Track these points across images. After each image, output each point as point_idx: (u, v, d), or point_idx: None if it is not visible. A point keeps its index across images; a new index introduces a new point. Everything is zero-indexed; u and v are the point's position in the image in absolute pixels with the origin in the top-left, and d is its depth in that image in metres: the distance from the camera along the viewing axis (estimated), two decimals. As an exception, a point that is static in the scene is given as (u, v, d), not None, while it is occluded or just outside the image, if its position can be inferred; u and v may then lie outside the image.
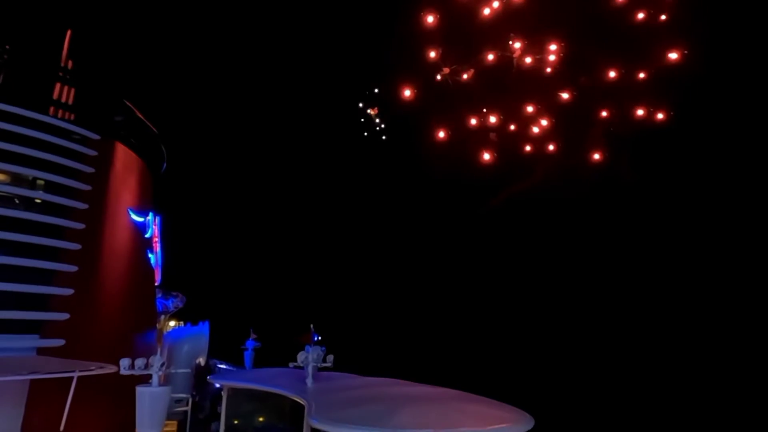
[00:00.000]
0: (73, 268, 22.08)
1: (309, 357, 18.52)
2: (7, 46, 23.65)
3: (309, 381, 17.82)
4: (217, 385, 25.35)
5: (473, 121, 34.24)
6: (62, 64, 26.97)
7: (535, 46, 31.77)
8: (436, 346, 58.96)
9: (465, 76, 33.28)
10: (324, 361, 19.45)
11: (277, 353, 23.44)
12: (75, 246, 22.45)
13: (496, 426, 12.11)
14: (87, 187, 23.66)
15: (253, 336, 30.96)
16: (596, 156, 33.86)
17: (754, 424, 38.66)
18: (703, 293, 47.22)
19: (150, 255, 29.69)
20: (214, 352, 34.37)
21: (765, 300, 43.86)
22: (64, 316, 21.18)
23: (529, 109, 33.78)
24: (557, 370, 51.45)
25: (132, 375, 14.81)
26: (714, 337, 46.01)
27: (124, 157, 26.74)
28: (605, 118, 33.26)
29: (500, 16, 31.96)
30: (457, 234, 65.12)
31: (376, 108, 36.33)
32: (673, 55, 29.48)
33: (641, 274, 51.73)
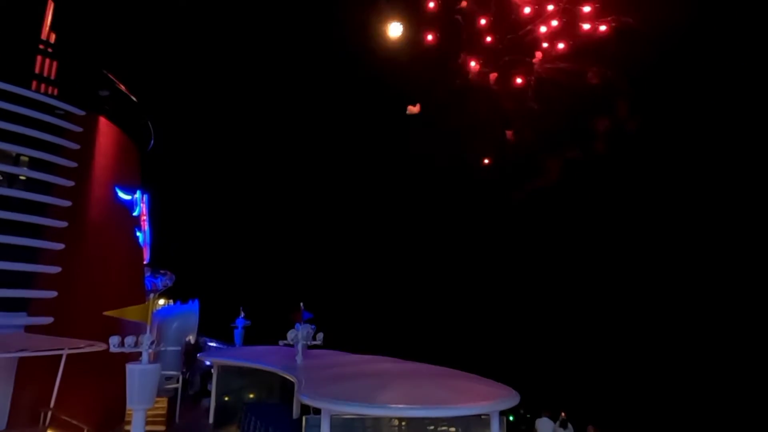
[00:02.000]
0: (60, 246, 21.88)
1: (299, 335, 18.66)
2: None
3: (299, 358, 18.00)
4: (207, 363, 25.52)
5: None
6: (44, 37, 26.23)
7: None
8: (425, 323, 59.61)
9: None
10: (314, 339, 19.60)
11: (267, 331, 23.60)
12: (62, 224, 22.21)
13: (484, 402, 12.36)
14: (73, 164, 23.29)
15: (242, 314, 31.10)
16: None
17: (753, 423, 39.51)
18: (692, 284, 48.15)
19: (138, 233, 29.46)
20: (203, 330, 34.52)
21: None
22: (52, 294, 21.06)
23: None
24: (544, 348, 52.37)
25: (122, 353, 14.81)
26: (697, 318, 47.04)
27: (110, 133, 26.27)
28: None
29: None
30: (447, 215, 65.37)
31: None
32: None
33: (622, 260, 52.54)
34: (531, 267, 57.93)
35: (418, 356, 17.89)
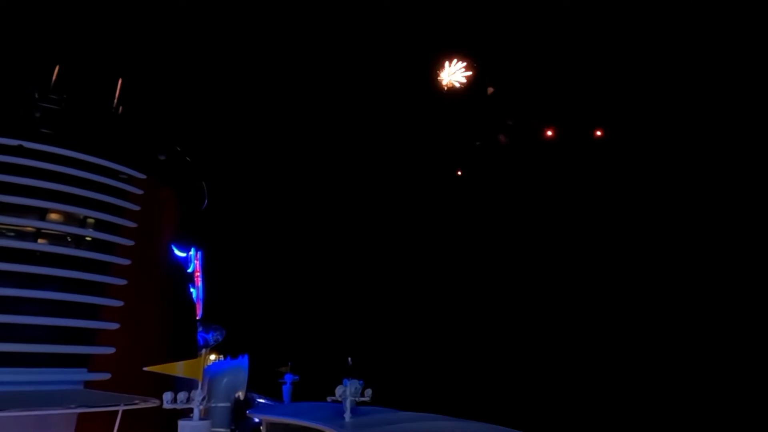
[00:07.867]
0: (120, 303, 22.79)
1: (347, 391, 18.33)
2: (64, 95, 25.34)
3: (347, 415, 17.61)
4: (256, 420, 25.30)
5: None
6: (113, 110, 28.57)
7: None
8: (477, 380, 57.37)
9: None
10: (362, 395, 19.19)
11: (316, 387, 23.32)
12: (121, 281, 23.23)
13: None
14: (133, 225, 24.60)
15: (290, 369, 30.90)
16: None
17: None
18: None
19: (192, 289, 30.40)
20: (253, 386, 34.41)
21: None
22: (111, 350, 21.79)
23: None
24: (602, 403, 49.30)
25: (174, 408, 15.00)
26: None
27: (167, 194, 27.78)
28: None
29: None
30: (495, 267, 64.26)
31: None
32: None
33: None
34: (587, 323, 55.65)
35: (470, 414, 17.16)
